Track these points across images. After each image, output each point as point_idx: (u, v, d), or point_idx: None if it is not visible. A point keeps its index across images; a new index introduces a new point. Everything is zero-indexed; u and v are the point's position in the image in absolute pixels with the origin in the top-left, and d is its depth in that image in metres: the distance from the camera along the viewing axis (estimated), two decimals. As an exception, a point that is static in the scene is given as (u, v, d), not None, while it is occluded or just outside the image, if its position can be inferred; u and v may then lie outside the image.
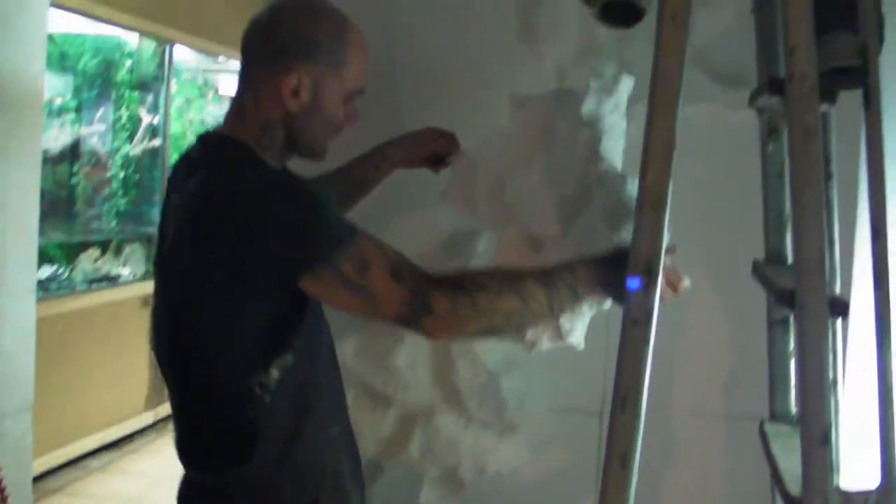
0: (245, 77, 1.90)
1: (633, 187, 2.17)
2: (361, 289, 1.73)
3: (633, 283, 1.75)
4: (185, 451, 1.93)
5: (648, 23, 1.76)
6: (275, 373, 1.79)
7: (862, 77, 1.58)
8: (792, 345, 2.05)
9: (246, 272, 1.73)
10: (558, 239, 2.21)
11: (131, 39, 6.36)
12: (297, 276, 1.72)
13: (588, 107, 2.24)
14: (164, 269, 1.90)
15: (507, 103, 2.44)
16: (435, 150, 2.45)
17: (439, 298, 1.76)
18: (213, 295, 1.76)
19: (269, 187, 1.77)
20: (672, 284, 1.95)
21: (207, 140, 1.93)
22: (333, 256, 1.71)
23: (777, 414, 2.10)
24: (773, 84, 1.71)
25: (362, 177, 2.39)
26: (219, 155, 1.86)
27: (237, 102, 1.91)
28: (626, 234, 2.08)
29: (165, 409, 6.51)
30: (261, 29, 1.87)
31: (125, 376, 6.30)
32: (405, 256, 1.80)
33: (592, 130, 2.23)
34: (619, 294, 1.83)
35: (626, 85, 2.31)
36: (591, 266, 1.88)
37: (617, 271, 1.79)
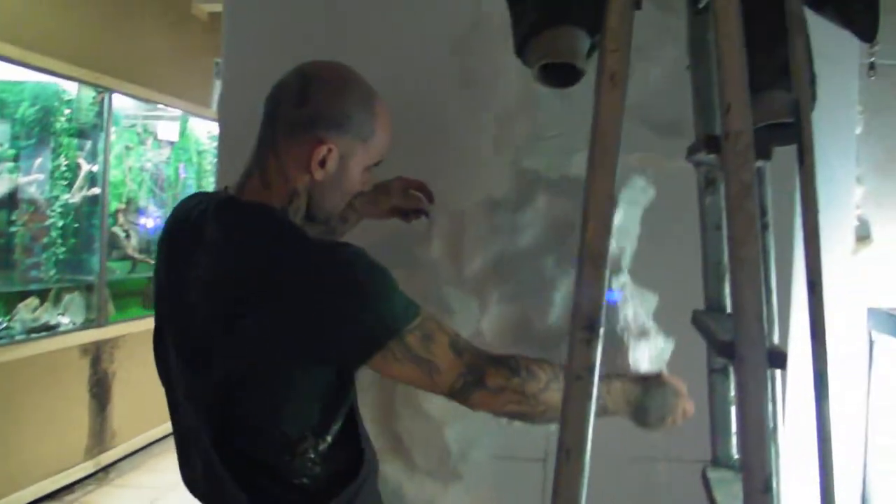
0: (269, 143, 1.88)
1: (650, 303, 2.26)
2: (424, 362, 1.77)
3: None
4: None
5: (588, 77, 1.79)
6: (328, 438, 1.83)
7: (796, 133, 1.61)
8: (732, 392, 2.08)
9: (315, 352, 1.74)
10: (563, 332, 2.24)
11: (70, 87, 6.32)
12: (371, 355, 1.74)
13: (616, 219, 2.28)
14: (191, 341, 1.84)
15: (511, 176, 2.46)
16: (404, 205, 2.46)
17: (493, 375, 1.83)
18: (274, 372, 1.76)
19: (336, 263, 1.74)
20: (686, 411, 2.07)
21: (228, 206, 1.87)
22: (403, 332, 1.74)
23: (719, 460, 2.12)
24: (709, 142, 1.74)
25: (329, 227, 2.35)
26: (257, 224, 1.82)
27: (259, 169, 1.88)
28: (639, 352, 2.17)
29: (106, 458, 6.45)
30: (291, 97, 1.85)
31: (65, 426, 6.20)
32: (456, 330, 1.86)
33: (617, 242, 2.28)
34: (642, 419, 2.03)
35: (650, 196, 2.35)
36: (627, 385, 2.01)
37: (646, 398, 2.00)
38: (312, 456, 1.81)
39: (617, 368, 2.18)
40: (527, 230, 2.37)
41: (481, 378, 1.82)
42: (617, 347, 2.24)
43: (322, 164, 1.83)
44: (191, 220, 1.91)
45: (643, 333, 2.24)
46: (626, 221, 2.30)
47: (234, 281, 1.74)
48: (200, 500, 1.96)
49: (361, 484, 1.89)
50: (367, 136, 1.88)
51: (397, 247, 2.57)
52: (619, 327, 2.22)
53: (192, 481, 1.96)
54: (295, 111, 1.84)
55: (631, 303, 2.27)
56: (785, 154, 1.84)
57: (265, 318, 1.69)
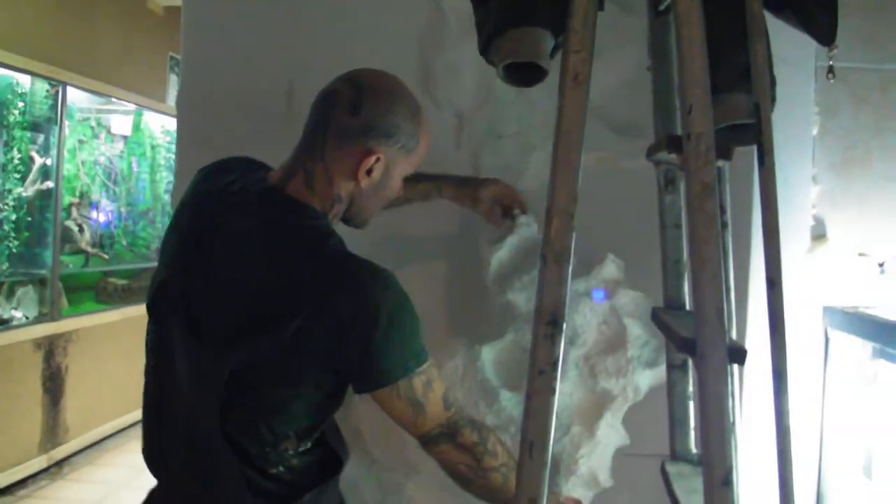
0: (316, 148, 1.88)
1: (621, 442, 2.35)
2: (418, 404, 1.83)
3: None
4: None
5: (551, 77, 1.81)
6: (309, 443, 1.89)
7: (756, 135, 1.63)
8: (691, 387, 2.10)
9: (333, 366, 1.78)
10: None
11: (24, 80, 6.24)
12: (383, 386, 1.79)
13: (643, 382, 2.40)
14: (219, 320, 1.80)
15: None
16: (488, 217, 2.50)
17: (465, 436, 1.91)
18: (287, 373, 1.77)
19: (379, 292, 1.75)
20: None
21: (274, 199, 1.87)
22: (414, 374, 1.80)
23: (678, 454, 2.14)
24: (671, 142, 1.75)
25: (406, 197, 2.34)
26: (307, 230, 1.83)
27: (303, 169, 1.88)
28: (580, 483, 2.32)
29: (60, 452, 6.39)
30: (344, 105, 1.86)
31: (17, 420, 6.12)
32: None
33: (632, 399, 2.39)
34: None
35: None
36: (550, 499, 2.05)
37: None
38: (291, 452, 1.85)
39: (552, 484, 2.23)
40: (589, 313, 2.38)
41: (454, 434, 1.89)
42: (567, 467, 2.30)
43: (369, 172, 1.86)
44: (226, 198, 1.91)
45: (597, 471, 2.32)
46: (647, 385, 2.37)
47: (280, 284, 1.75)
48: (166, 478, 1.94)
49: (331, 479, 1.94)
50: (412, 147, 1.92)
51: (458, 240, 2.65)
52: (582, 457, 2.29)
53: (164, 455, 1.92)
54: (348, 119, 1.85)
55: (604, 442, 2.33)
56: (740, 153, 1.87)
57: (302, 325, 1.70)
